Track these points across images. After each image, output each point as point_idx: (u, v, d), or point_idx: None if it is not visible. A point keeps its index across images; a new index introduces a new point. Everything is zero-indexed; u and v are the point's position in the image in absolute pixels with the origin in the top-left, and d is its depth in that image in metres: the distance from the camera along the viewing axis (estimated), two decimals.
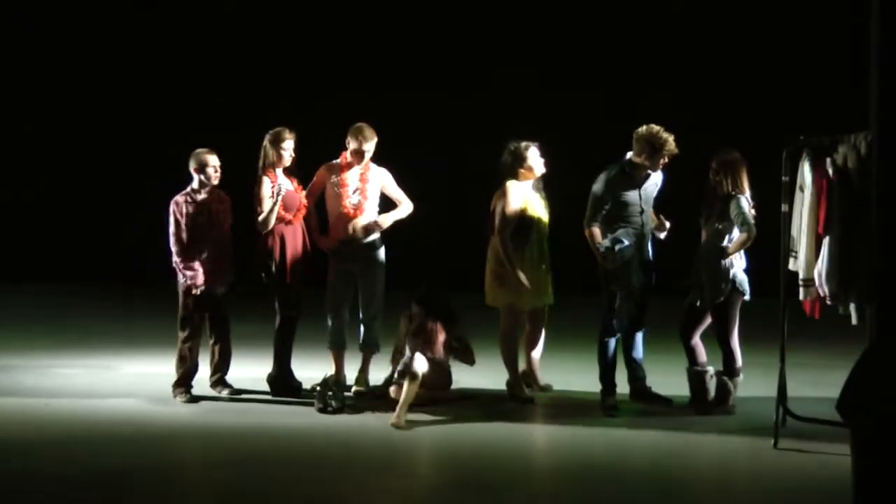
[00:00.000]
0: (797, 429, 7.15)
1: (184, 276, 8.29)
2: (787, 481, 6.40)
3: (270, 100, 13.92)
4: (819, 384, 8.12)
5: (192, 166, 8.40)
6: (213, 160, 8.39)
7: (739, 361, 7.78)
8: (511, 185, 8.18)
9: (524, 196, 8.19)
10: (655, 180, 8.08)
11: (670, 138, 7.85)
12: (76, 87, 15.11)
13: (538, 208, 8.23)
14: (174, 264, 8.34)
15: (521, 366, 8.52)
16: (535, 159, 8.23)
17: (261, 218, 8.36)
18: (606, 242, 7.85)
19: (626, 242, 7.86)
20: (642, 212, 7.97)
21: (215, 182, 8.40)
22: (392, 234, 8.71)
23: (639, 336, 8.16)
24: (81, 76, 15.09)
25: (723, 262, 7.63)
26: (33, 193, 15.23)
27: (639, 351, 8.18)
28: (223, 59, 14.69)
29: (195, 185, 8.41)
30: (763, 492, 6.34)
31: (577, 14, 13.87)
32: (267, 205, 8.32)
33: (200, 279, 8.28)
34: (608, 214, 7.93)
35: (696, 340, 7.90)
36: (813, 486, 6.30)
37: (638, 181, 7.97)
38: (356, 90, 13.80)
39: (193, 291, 8.29)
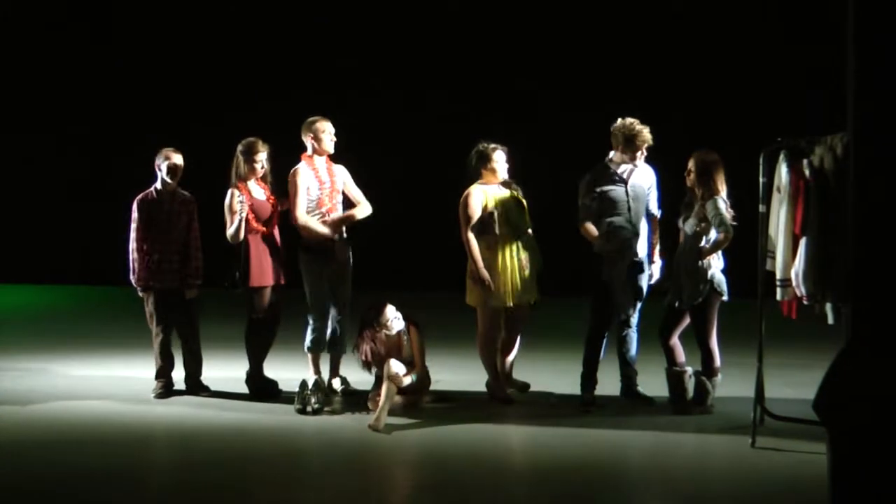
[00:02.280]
0: (774, 428, 7.19)
1: (132, 276, 8.41)
2: (764, 480, 6.43)
3: (251, 99, 13.96)
4: (796, 384, 8.16)
5: (156, 163, 8.49)
6: (176, 158, 8.44)
7: (718, 362, 7.81)
8: (472, 190, 8.21)
9: (487, 196, 8.19)
10: (645, 177, 8.12)
11: (644, 129, 7.98)
12: (67, 85, 15.09)
13: (507, 207, 8.21)
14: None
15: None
16: (499, 163, 8.25)
17: (229, 232, 8.36)
18: (604, 227, 7.97)
19: (619, 224, 7.97)
20: (630, 208, 8.02)
21: (173, 180, 8.45)
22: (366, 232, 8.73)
23: (632, 335, 8.18)
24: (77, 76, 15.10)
25: (701, 262, 7.65)
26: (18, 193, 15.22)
27: (631, 350, 8.20)
28: (221, 59, 14.68)
29: (158, 184, 8.46)
30: (740, 490, 6.36)
31: (552, 17, 13.89)
32: (235, 218, 8.32)
33: (134, 278, 8.41)
34: (598, 211, 8.02)
35: (675, 341, 7.93)
36: (790, 484, 6.32)
37: (622, 176, 8.03)
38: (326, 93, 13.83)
39: (140, 294, 8.44)
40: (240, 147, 8.49)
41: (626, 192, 8.04)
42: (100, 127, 14.97)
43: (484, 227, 8.15)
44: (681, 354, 7.92)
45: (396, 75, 14.33)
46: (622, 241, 7.99)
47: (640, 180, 8.11)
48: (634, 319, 8.19)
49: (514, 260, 8.18)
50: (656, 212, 8.25)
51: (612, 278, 8.03)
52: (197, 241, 8.55)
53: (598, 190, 8.03)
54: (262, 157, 8.46)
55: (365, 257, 8.83)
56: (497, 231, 8.14)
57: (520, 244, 8.22)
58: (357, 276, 8.65)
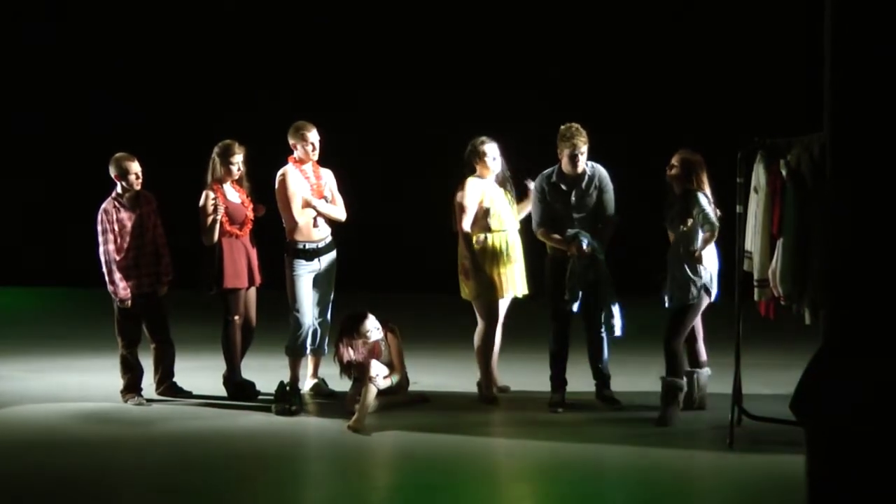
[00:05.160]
0: (752, 428, 7.20)
1: (112, 287, 8.26)
2: (742, 480, 6.44)
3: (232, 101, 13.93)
4: (774, 384, 8.17)
5: (112, 173, 8.35)
6: (134, 167, 8.34)
7: (685, 364, 7.77)
8: (468, 181, 8.23)
9: (482, 191, 8.21)
10: (593, 184, 8.05)
11: (577, 136, 7.93)
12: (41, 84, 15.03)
13: (499, 202, 8.25)
14: (104, 275, 8.31)
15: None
16: (490, 156, 8.24)
17: (203, 234, 8.33)
18: (570, 231, 7.94)
19: (589, 236, 7.92)
20: (576, 218, 8.00)
21: (137, 188, 8.36)
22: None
23: (599, 338, 8.14)
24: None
25: (699, 266, 7.57)
26: None
27: (600, 353, 8.18)
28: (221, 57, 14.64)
29: (119, 190, 8.37)
30: (718, 491, 6.38)
31: (527, 16, 13.90)
32: (209, 220, 8.28)
33: (124, 293, 8.28)
34: (550, 218, 8.03)
35: (699, 345, 7.92)
36: (768, 484, 6.33)
37: (567, 184, 8.03)
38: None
39: (119, 305, 8.31)
40: (216, 149, 8.45)
41: (571, 200, 8.03)
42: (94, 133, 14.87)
43: (478, 220, 8.17)
44: (702, 354, 7.92)
45: (389, 74, 14.30)
46: (579, 248, 7.94)
47: (586, 189, 8.05)
48: (617, 325, 8.07)
49: (506, 254, 8.21)
50: (613, 217, 8.11)
51: (561, 279, 7.99)
52: (163, 238, 8.50)
53: (545, 199, 8.07)
54: (238, 160, 8.43)
55: (349, 258, 8.80)
56: (491, 225, 8.16)
57: (510, 239, 8.24)
58: (340, 278, 8.61)
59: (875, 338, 4.69)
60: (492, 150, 8.26)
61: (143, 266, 8.37)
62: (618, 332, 8.07)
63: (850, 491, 4.46)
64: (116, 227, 8.29)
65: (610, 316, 8.03)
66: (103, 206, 8.34)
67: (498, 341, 8.52)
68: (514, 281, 8.29)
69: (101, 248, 8.29)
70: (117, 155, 8.39)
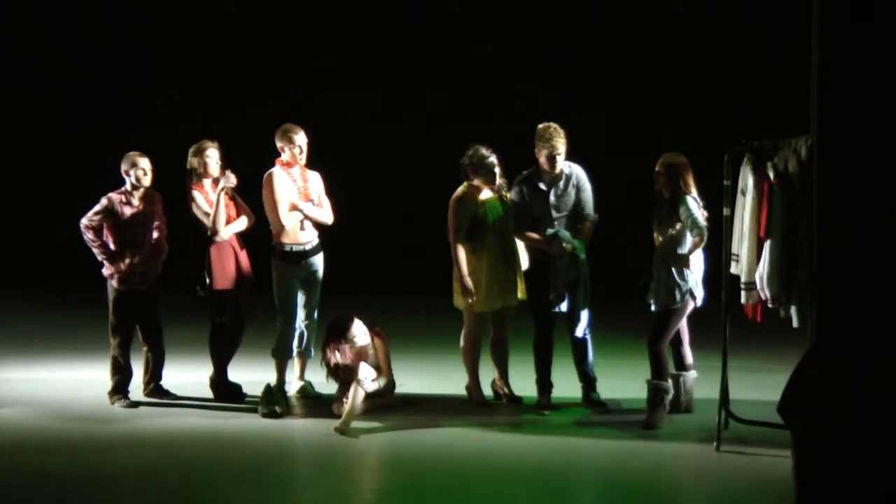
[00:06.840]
0: (739, 431, 7.20)
1: (97, 248, 8.30)
2: (729, 483, 6.44)
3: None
4: (761, 387, 8.17)
5: (122, 168, 8.39)
6: (143, 163, 8.36)
7: (670, 367, 7.77)
8: (462, 195, 8.15)
9: (476, 202, 8.13)
10: (572, 184, 8.06)
11: (555, 137, 7.93)
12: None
13: (495, 213, 8.16)
14: (87, 241, 8.32)
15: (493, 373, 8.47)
16: (490, 171, 8.10)
17: (211, 226, 8.29)
18: (550, 231, 7.95)
19: (568, 235, 7.93)
20: (556, 218, 8.01)
21: (146, 184, 8.37)
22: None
23: (581, 342, 8.13)
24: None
25: (685, 270, 7.57)
26: None
27: (585, 357, 8.17)
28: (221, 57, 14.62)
29: (128, 186, 8.38)
30: (705, 494, 6.38)
31: (524, 17, 13.92)
32: (213, 210, 8.26)
33: (112, 274, 8.32)
34: (529, 219, 8.04)
35: (685, 348, 7.92)
36: (755, 488, 6.33)
37: (546, 184, 8.04)
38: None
39: (107, 276, 8.33)
40: (190, 150, 8.46)
41: (550, 200, 8.03)
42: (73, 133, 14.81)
43: (471, 233, 8.10)
44: (688, 357, 7.92)
45: (382, 77, 14.29)
46: (559, 247, 7.94)
47: (564, 189, 8.07)
48: (581, 326, 8.08)
49: (499, 265, 8.13)
50: (591, 216, 8.13)
51: (542, 280, 7.98)
52: (164, 232, 8.49)
53: (526, 197, 8.06)
54: (213, 154, 8.42)
55: (343, 260, 8.78)
56: (484, 238, 8.10)
57: (505, 249, 8.18)
58: (335, 280, 8.59)
59: (864, 341, 4.70)
60: (492, 164, 8.10)
61: (137, 265, 8.33)
62: (578, 333, 8.09)
63: (837, 493, 4.46)
64: (116, 220, 8.28)
65: (577, 318, 8.04)
66: (110, 193, 8.37)
67: (496, 343, 8.42)
68: (509, 292, 8.16)
69: (85, 221, 8.29)
70: (129, 153, 8.43)
